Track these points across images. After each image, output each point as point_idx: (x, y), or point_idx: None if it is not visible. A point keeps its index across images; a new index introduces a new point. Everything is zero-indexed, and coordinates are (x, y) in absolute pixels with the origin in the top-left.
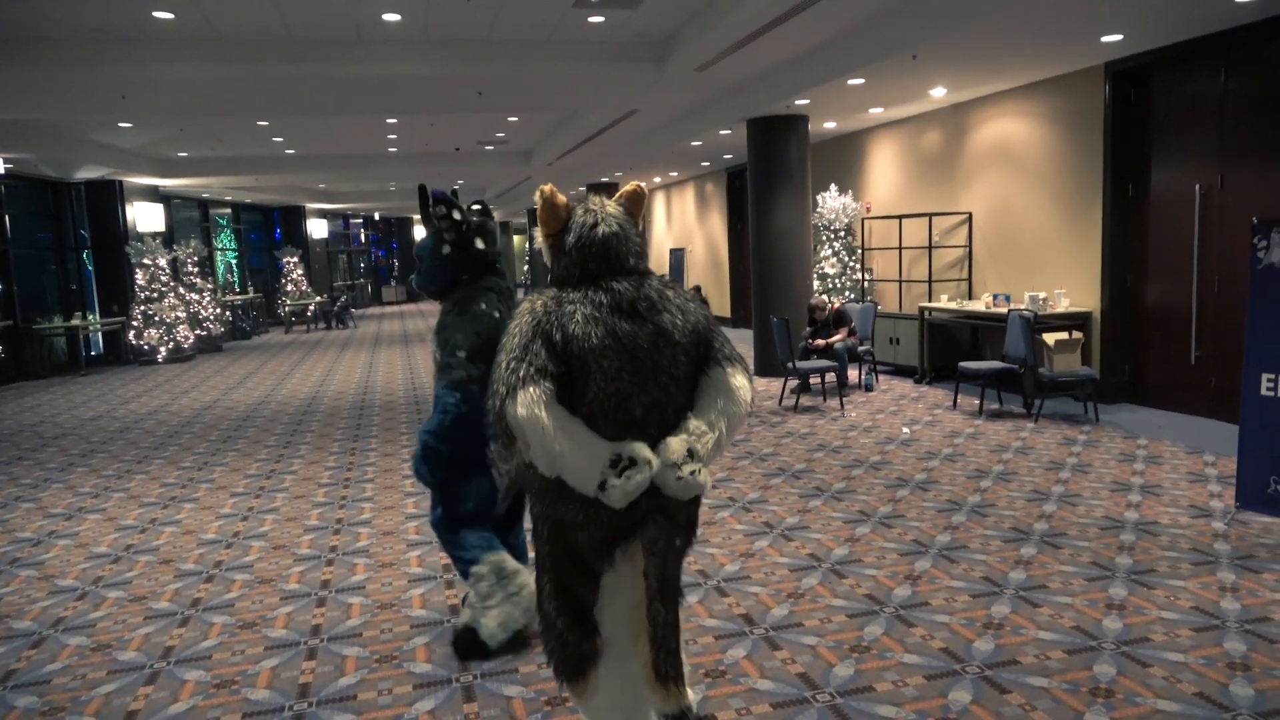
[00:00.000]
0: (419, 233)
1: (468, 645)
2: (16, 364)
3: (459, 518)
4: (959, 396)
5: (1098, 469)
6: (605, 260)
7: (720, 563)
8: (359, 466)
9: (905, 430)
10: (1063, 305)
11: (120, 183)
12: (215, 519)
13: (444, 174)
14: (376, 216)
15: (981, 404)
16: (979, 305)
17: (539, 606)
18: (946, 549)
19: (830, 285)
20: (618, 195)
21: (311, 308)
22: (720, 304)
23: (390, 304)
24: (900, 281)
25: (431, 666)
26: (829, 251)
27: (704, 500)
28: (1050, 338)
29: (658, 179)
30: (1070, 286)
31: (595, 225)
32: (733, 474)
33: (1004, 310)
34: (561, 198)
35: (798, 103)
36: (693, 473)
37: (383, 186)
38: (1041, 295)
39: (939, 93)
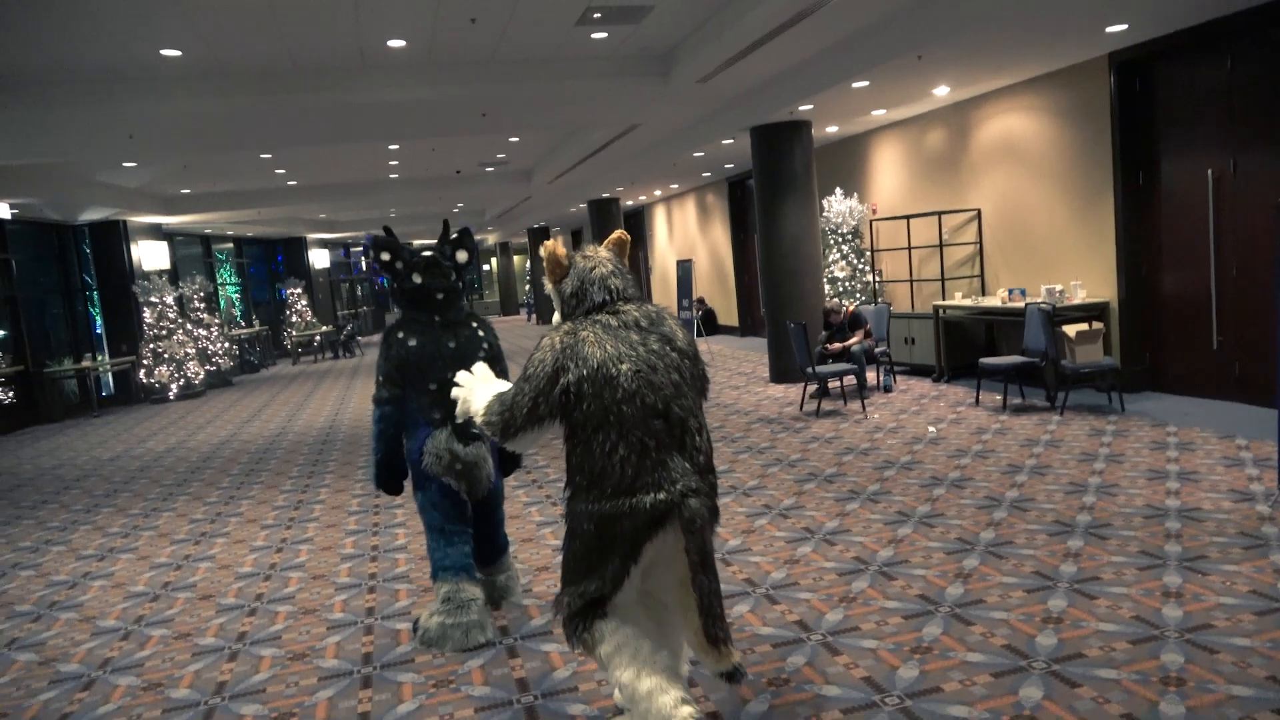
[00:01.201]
0: None
1: (415, 628)
2: (29, 408)
3: (431, 525)
4: (980, 393)
5: (1131, 458)
6: (607, 292)
7: (766, 570)
8: None
9: (931, 429)
10: (1080, 297)
11: (124, 222)
12: (249, 552)
13: (444, 197)
14: None
15: (1005, 399)
16: (994, 301)
17: (566, 576)
18: (993, 545)
19: (841, 289)
20: (606, 242)
21: (317, 337)
22: (727, 314)
23: None
24: (911, 281)
25: (490, 689)
26: (837, 255)
27: (739, 509)
28: (1071, 329)
29: (658, 192)
30: (1086, 278)
31: (594, 268)
32: (764, 481)
33: (1021, 304)
34: (562, 250)
35: (801, 108)
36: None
37: (384, 214)
38: (1058, 288)
39: (942, 91)
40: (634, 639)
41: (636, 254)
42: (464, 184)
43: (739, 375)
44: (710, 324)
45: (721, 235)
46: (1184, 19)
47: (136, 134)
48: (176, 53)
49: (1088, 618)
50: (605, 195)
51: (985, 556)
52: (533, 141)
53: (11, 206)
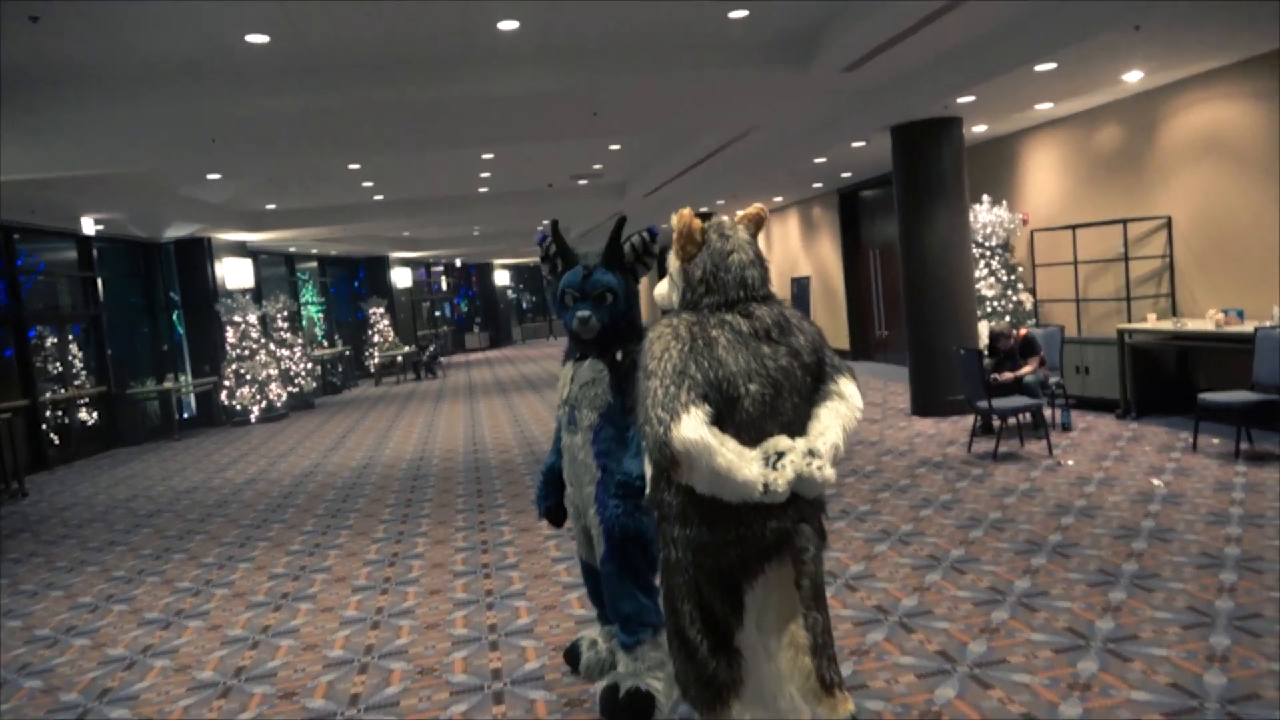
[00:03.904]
0: (500, 278)
1: (642, 709)
2: (111, 430)
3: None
4: (1198, 436)
5: None
6: (743, 287)
7: (1048, 700)
8: (491, 526)
9: (1156, 483)
10: None
11: (208, 240)
12: (339, 627)
13: (532, 213)
14: (458, 263)
15: (1238, 446)
16: (1203, 324)
17: (675, 634)
18: None
19: (990, 309)
20: (740, 217)
21: (399, 358)
22: (836, 336)
23: (474, 350)
24: (1077, 301)
25: None
26: (985, 270)
27: (960, 593)
28: None
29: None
30: None
31: (732, 252)
32: (971, 550)
33: (1245, 329)
34: (698, 222)
35: (960, 101)
36: (818, 467)
37: (467, 231)
38: None
39: (1133, 77)
40: None
41: None
42: (553, 198)
43: (872, 406)
44: None
45: (830, 251)
46: None
47: (220, 137)
48: (263, 38)
49: None
50: (702, 210)
51: None
52: (633, 150)
53: (97, 222)
